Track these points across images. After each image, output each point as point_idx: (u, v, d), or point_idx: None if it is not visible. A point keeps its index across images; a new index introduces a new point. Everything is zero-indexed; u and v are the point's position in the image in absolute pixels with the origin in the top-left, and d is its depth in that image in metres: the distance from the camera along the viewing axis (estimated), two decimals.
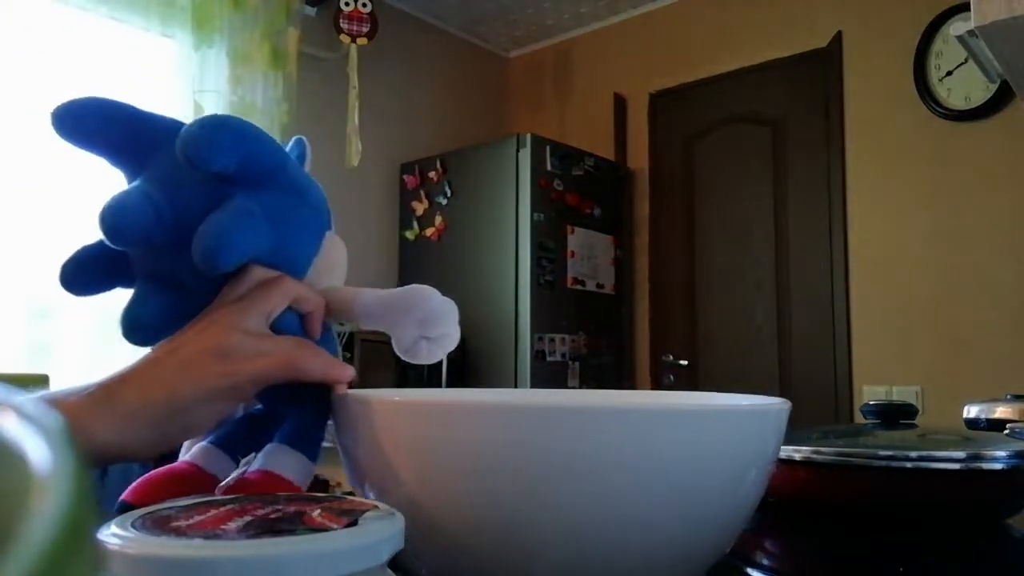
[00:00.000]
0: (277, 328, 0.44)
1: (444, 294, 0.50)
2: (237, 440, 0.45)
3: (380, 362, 2.87)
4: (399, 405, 0.35)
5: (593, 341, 3.24)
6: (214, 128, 0.41)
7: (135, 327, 0.46)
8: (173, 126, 0.45)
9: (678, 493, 0.32)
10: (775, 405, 0.37)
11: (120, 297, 0.48)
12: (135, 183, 0.45)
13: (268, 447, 0.43)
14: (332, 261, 0.50)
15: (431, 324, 0.48)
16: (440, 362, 2.99)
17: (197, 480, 0.42)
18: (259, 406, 0.48)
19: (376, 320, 0.49)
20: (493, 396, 0.55)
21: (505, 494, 0.32)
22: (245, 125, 0.43)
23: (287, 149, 0.52)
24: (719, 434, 0.33)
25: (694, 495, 0.33)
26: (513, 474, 0.31)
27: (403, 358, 0.49)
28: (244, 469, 0.43)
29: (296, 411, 0.45)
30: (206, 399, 0.39)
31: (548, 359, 3.02)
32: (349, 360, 2.82)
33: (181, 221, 0.43)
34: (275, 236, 0.45)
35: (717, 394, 0.53)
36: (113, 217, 0.42)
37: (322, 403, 0.43)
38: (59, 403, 0.37)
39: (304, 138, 0.55)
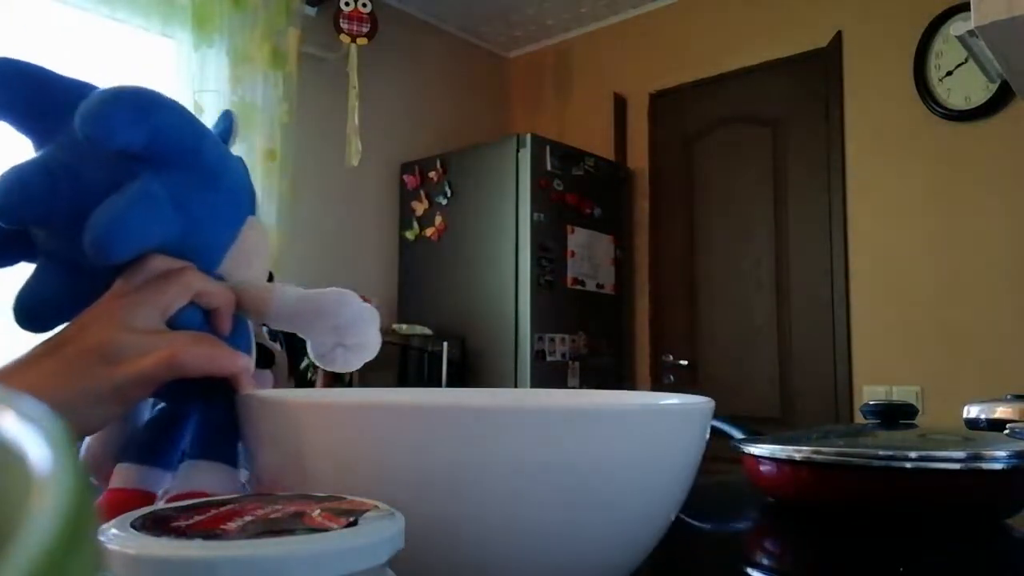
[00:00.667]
0: (176, 325, 0.40)
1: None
2: (151, 445, 0.41)
3: (381, 362, 2.87)
4: (294, 406, 0.34)
5: (593, 341, 3.24)
6: (116, 100, 0.37)
7: (25, 313, 0.42)
8: (89, 91, 0.40)
9: (589, 496, 0.32)
10: (682, 406, 0.36)
11: None
12: (37, 155, 0.41)
13: (184, 465, 0.40)
14: (251, 250, 0.45)
15: (348, 331, 0.45)
16: (440, 362, 2.99)
17: (127, 505, 0.38)
18: (161, 404, 0.44)
19: (289, 322, 0.45)
20: (391, 397, 0.53)
21: (402, 499, 0.30)
22: (153, 97, 0.39)
23: (213, 124, 0.48)
24: (625, 435, 0.32)
25: (603, 499, 0.32)
26: (411, 477, 0.31)
27: (317, 364, 0.46)
28: (164, 498, 0.39)
29: (204, 411, 0.41)
30: (88, 404, 0.36)
31: (548, 359, 3.02)
32: None
33: (82, 200, 0.38)
34: (182, 222, 0.40)
35: (648, 393, 0.52)
36: (3, 194, 0.38)
37: (230, 399, 0.38)
38: None
39: (232, 112, 0.50)
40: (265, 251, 0.47)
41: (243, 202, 0.45)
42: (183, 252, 0.41)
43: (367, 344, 0.46)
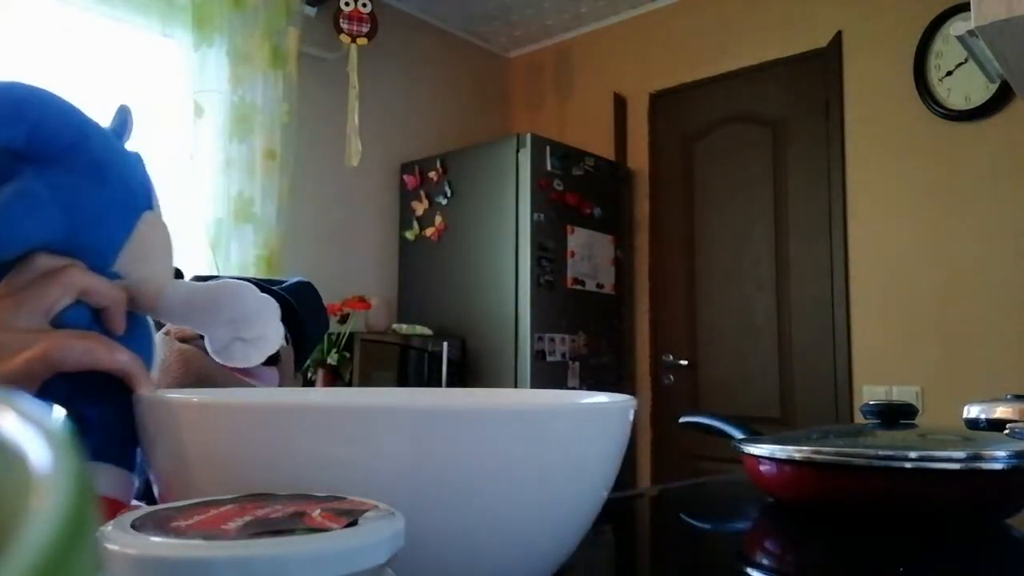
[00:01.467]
0: (62, 324, 0.39)
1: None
2: None
3: (380, 362, 2.87)
4: (175, 406, 0.33)
5: (593, 341, 3.24)
6: None
7: None
8: None
9: (487, 497, 0.31)
10: (583, 406, 0.35)
11: None
12: None
13: None
14: (148, 246, 0.44)
15: (244, 325, 0.43)
16: (440, 363, 2.99)
17: None
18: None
19: (182, 317, 0.44)
20: (274, 397, 0.52)
21: None
22: (30, 92, 0.38)
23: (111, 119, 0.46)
24: (531, 435, 0.32)
25: (506, 499, 0.32)
26: (290, 477, 0.30)
27: (217, 360, 0.45)
28: None
29: (99, 414, 0.40)
30: None
31: (548, 359, 3.02)
32: (348, 360, 2.81)
33: None
34: (68, 220, 0.39)
35: (568, 392, 0.51)
36: None
37: (127, 401, 0.37)
38: None
39: (127, 107, 0.49)
40: (164, 247, 0.46)
41: (137, 197, 0.44)
42: (72, 250, 0.40)
43: (267, 337, 0.45)
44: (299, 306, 0.95)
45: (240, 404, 0.31)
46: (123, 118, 0.47)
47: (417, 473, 0.30)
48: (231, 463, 0.31)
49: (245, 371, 0.83)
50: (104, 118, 0.46)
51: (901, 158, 2.80)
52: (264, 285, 0.95)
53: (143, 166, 0.45)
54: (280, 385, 0.88)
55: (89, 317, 0.40)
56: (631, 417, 0.38)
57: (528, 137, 3.05)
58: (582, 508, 0.36)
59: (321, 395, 0.56)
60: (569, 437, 0.34)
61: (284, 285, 0.99)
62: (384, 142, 3.40)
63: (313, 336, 1.02)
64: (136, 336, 0.43)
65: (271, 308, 0.45)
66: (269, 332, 0.45)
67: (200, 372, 0.80)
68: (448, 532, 0.31)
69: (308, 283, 1.03)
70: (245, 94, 2.70)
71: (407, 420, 0.30)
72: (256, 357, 0.45)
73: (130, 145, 0.48)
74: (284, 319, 0.96)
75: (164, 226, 0.46)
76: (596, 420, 0.35)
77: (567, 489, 0.34)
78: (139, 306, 0.43)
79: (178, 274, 0.53)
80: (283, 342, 0.92)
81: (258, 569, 0.20)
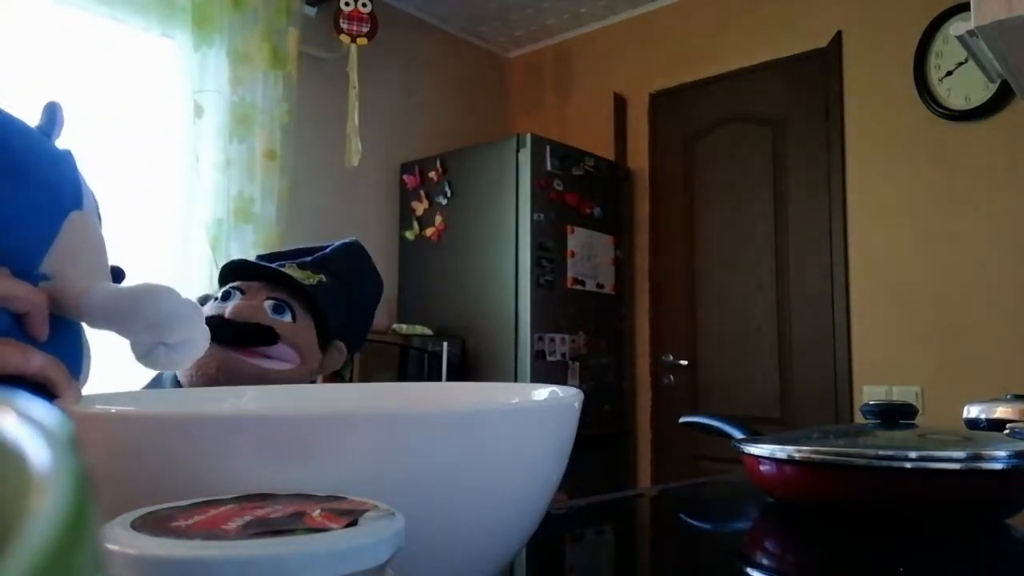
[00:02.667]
0: None
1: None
2: None
3: (381, 362, 2.87)
4: (89, 417, 0.32)
5: (593, 341, 3.24)
6: None
7: None
8: None
9: (441, 496, 0.31)
10: (513, 406, 0.35)
11: None
12: None
13: None
14: (76, 247, 0.42)
15: (165, 328, 0.41)
16: (440, 363, 2.99)
17: None
18: None
19: (104, 320, 0.42)
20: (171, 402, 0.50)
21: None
22: None
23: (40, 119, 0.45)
24: (467, 435, 0.32)
25: (462, 498, 0.31)
26: (177, 487, 0.29)
27: (142, 364, 0.43)
28: None
29: None
30: None
31: (548, 359, 3.02)
32: (348, 360, 2.81)
33: None
34: None
35: (516, 385, 0.50)
36: None
37: None
38: None
39: (56, 104, 0.47)
40: (94, 246, 0.44)
41: (63, 198, 0.42)
42: None
43: (192, 340, 0.43)
44: (350, 268, 0.93)
45: (147, 415, 0.31)
46: (51, 116, 0.46)
47: (323, 480, 0.30)
48: (113, 473, 0.31)
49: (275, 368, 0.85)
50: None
51: (901, 158, 2.80)
52: (306, 253, 0.94)
53: (73, 164, 0.44)
54: (323, 380, 0.88)
55: (8, 322, 0.39)
56: (576, 412, 0.38)
57: (528, 137, 3.05)
58: (526, 505, 0.35)
59: (229, 402, 0.54)
60: (508, 434, 0.33)
61: (329, 249, 0.98)
62: (384, 142, 3.40)
63: (366, 299, 1.00)
64: (62, 342, 0.42)
65: (193, 310, 0.43)
66: (195, 335, 0.43)
67: (231, 372, 0.81)
68: None
69: (356, 243, 1.00)
70: (245, 94, 2.70)
71: (310, 428, 0.30)
72: (182, 361, 0.43)
73: (66, 143, 0.46)
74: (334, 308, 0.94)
75: (95, 225, 0.45)
76: (536, 417, 0.35)
77: (509, 486, 0.34)
78: (63, 309, 0.42)
79: (119, 273, 0.52)
80: (312, 339, 0.92)
81: (258, 569, 0.20)
